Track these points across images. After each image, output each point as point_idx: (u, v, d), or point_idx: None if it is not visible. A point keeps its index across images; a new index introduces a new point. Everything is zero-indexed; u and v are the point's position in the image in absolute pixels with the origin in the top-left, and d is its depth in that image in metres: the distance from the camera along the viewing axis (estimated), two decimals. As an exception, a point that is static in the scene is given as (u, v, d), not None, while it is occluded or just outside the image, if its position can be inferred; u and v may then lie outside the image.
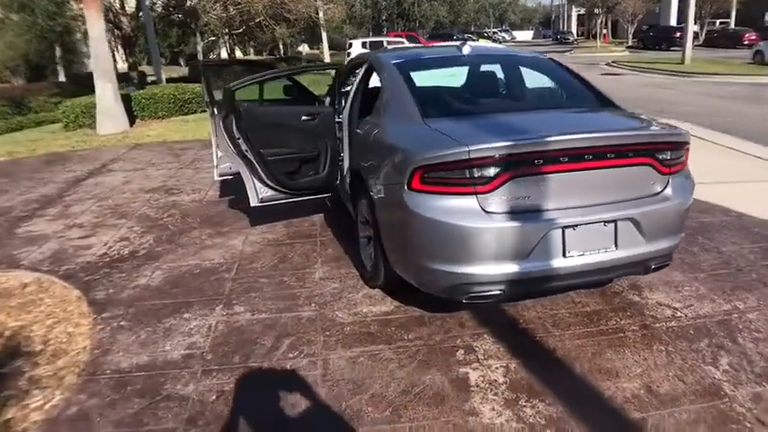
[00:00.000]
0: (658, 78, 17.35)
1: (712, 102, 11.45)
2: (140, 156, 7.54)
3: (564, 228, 2.45)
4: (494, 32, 54.95)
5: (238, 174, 4.91)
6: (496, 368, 2.52)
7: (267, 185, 4.02)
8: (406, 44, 19.62)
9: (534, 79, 3.49)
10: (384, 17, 40.64)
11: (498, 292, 2.53)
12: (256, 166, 3.90)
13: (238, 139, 3.81)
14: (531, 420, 2.19)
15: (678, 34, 29.74)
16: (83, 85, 14.54)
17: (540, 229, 2.42)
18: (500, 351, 2.65)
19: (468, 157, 2.37)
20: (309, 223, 4.56)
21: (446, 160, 2.40)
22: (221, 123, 3.84)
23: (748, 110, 10.18)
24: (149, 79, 17.11)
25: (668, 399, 2.29)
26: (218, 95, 4.33)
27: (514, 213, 2.43)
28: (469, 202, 2.43)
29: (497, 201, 2.42)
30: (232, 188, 5.43)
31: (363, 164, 3.12)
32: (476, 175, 2.40)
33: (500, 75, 3.60)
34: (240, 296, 3.31)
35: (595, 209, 2.51)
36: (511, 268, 2.45)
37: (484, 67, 3.62)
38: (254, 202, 4.02)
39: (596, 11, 38.53)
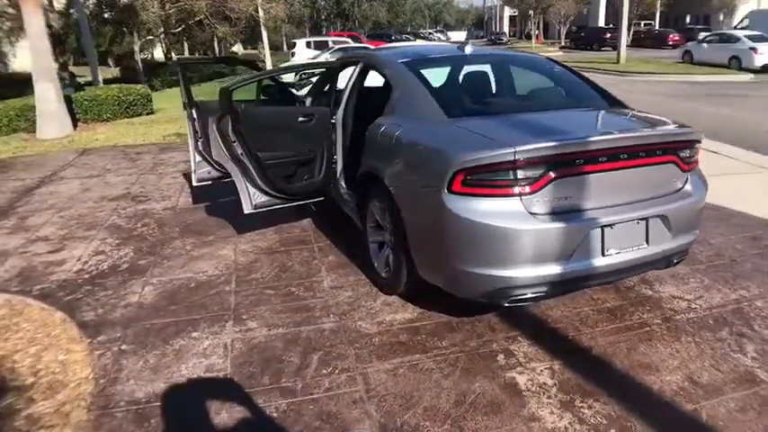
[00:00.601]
0: (599, 77, 18.08)
1: (657, 99, 12.11)
2: (93, 161, 6.98)
3: (603, 227, 2.45)
4: (429, 33, 55.83)
5: (218, 179, 4.69)
6: (541, 370, 2.49)
7: (262, 191, 3.81)
8: (351, 44, 19.49)
9: (540, 79, 3.50)
10: (323, 17, 40.24)
11: (541, 294, 2.50)
12: (251, 170, 3.68)
13: (234, 142, 3.57)
14: (592, 421, 2.17)
15: (608, 35, 31.48)
16: (4, 86, 13.41)
17: (582, 229, 2.41)
18: (539, 353, 2.62)
19: (513, 158, 2.32)
20: (300, 229, 4.37)
21: (492, 162, 2.33)
22: (214, 125, 3.59)
23: (698, 107, 10.82)
24: (81, 80, 16.00)
25: (711, 389, 2.34)
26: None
27: (557, 214, 2.41)
28: (513, 204, 2.38)
29: (541, 202, 2.39)
30: (206, 194, 5.15)
31: (381, 166, 3.00)
32: (519, 177, 2.35)
33: (507, 74, 3.59)
34: (249, 310, 3.10)
35: (630, 207, 2.54)
36: (554, 269, 2.42)
37: (490, 67, 3.58)
38: (247, 209, 3.79)
39: (530, 12, 39.99)
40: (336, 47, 17.76)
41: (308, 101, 4.74)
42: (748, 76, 16.65)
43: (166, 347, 2.76)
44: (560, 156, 2.36)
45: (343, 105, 3.84)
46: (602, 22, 41.86)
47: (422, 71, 3.16)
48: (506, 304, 2.55)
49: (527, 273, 2.41)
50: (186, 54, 33.93)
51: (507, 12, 65.97)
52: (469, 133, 2.56)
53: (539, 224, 2.36)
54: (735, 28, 25.24)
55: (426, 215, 2.59)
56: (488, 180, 2.37)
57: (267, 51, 20.15)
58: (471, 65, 3.56)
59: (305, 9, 33.17)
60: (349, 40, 20.90)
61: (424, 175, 2.58)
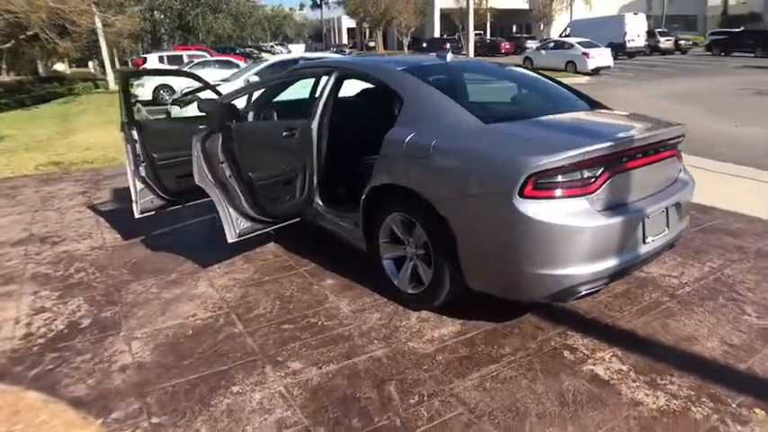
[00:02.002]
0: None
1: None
2: (-51, 203, 5.62)
3: (644, 218, 2.65)
4: (271, 46, 55.05)
5: (161, 208, 4.13)
6: (609, 358, 2.61)
7: (246, 216, 3.42)
8: (209, 57, 18.38)
9: (527, 84, 3.67)
10: (163, 30, 37.29)
11: (601, 287, 2.63)
12: (238, 193, 3.28)
13: (222, 162, 3.15)
14: (683, 394, 2.34)
15: (448, 45, 33.98)
16: None
17: (634, 221, 2.59)
18: (595, 343, 2.75)
19: (582, 159, 2.41)
20: (272, 254, 4.02)
21: (563, 164, 2.39)
22: (198, 145, 3.13)
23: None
24: None
25: (747, 348, 2.67)
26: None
27: (613, 210, 2.55)
28: (581, 204, 2.47)
29: (601, 200, 2.51)
30: (134, 228, 4.47)
31: (413, 178, 2.88)
32: (585, 176, 2.45)
33: (499, 83, 3.69)
34: (280, 351, 2.76)
35: (657, 197, 2.78)
36: (615, 261, 2.56)
37: (479, 76, 3.65)
38: (231, 238, 3.38)
39: (365, 24, 41.59)
40: (196, 60, 16.65)
41: (250, 115, 4.39)
42: (584, 78, 19.26)
43: (212, 410, 2.35)
44: (613, 155, 2.51)
45: (317, 118, 3.63)
46: (437, 33, 45.19)
47: (431, 79, 3.12)
48: (568, 301, 2.63)
49: (595, 268, 2.51)
50: (4, 76, 29.02)
51: (345, 24, 67.87)
52: (526, 138, 2.60)
53: (605, 220, 2.48)
54: (560, 36, 28.98)
55: (489, 223, 2.56)
56: (559, 182, 2.43)
57: (109, 68, 18.02)
58: (467, 73, 3.59)
59: (144, 23, 30.32)
60: (206, 54, 19.66)
61: (487, 182, 2.54)
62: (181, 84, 12.71)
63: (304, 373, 2.57)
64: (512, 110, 3.27)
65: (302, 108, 3.94)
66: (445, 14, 42.11)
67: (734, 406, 2.26)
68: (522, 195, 2.42)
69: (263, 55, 37.65)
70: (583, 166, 2.43)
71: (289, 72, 4.13)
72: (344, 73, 3.66)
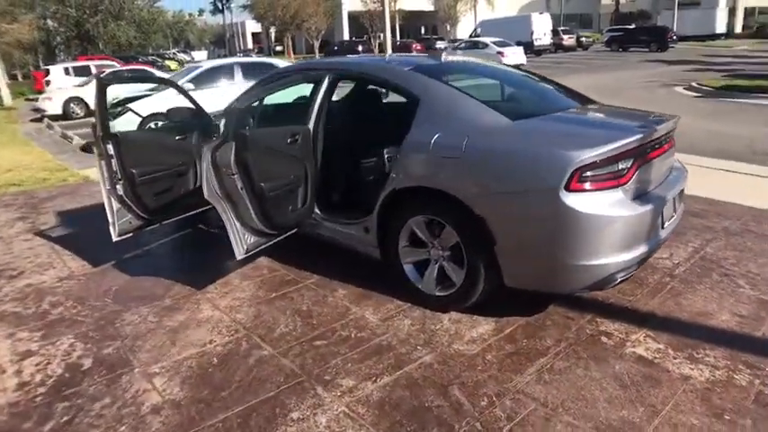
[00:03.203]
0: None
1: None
2: None
3: (664, 204, 2.83)
4: (174, 54, 52.48)
5: (140, 228, 3.82)
6: (645, 339, 2.76)
7: (253, 230, 3.23)
8: (119, 67, 17.13)
9: (523, 84, 3.78)
10: (59, 40, 34.09)
11: (631, 273, 2.76)
12: (248, 207, 3.08)
13: (234, 174, 2.93)
14: (721, 365, 2.52)
15: (360, 48, 34.24)
16: None
17: (658, 208, 2.75)
18: (626, 326, 2.88)
19: (619, 151, 2.52)
20: (267, 269, 3.82)
21: (605, 157, 2.49)
22: (209, 155, 2.89)
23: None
24: None
25: (755, 317, 2.93)
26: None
27: (642, 198, 2.70)
28: (618, 195, 2.58)
29: (633, 189, 2.65)
30: (102, 251, 4.09)
31: (443, 179, 2.85)
32: (620, 168, 2.57)
33: (492, 80, 3.75)
34: (324, 369, 2.63)
35: (668, 185, 2.98)
36: (644, 247, 2.71)
37: (474, 75, 3.70)
38: (240, 255, 3.17)
39: (273, 28, 40.87)
40: (109, 71, 15.43)
41: (222, 122, 4.16)
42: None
43: (278, 439, 2.19)
44: (640, 147, 2.65)
45: (312, 121, 3.51)
46: (346, 36, 45.36)
47: (444, 79, 3.12)
48: (605, 289, 2.74)
49: (630, 255, 2.64)
50: None
51: (250, 28, 66.22)
52: (564, 133, 2.68)
53: (640, 209, 2.62)
54: (471, 36, 30.13)
55: (533, 218, 2.60)
56: (599, 175, 2.52)
57: (2, 82, 16.20)
58: (467, 72, 3.62)
59: (37, 33, 27.44)
60: (115, 64, 18.25)
61: (530, 178, 2.57)
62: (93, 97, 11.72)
63: (361, 390, 2.46)
64: (526, 107, 3.35)
65: (295, 113, 3.79)
66: (354, 17, 42.40)
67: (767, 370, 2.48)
68: (567, 189, 2.49)
69: (167, 63, 35.71)
70: (619, 158, 2.55)
71: (278, 75, 3.95)
72: (343, 75, 3.56)
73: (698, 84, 14.01)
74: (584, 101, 3.59)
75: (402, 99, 4.28)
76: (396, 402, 2.37)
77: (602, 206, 2.52)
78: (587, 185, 2.51)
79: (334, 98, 3.81)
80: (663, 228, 2.88)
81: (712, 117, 9.65)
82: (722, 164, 6.32)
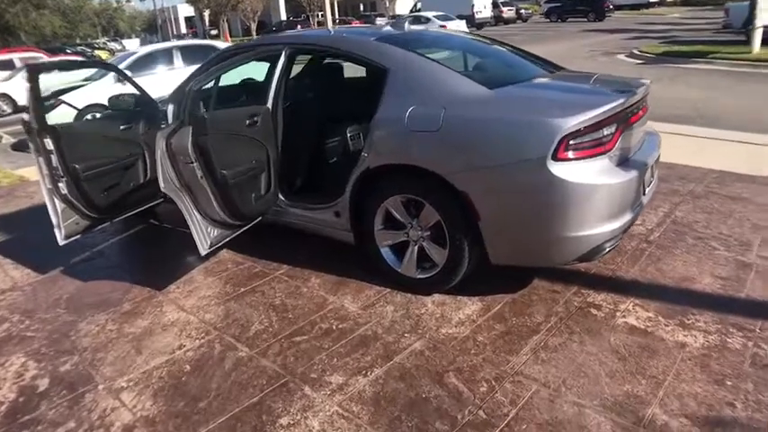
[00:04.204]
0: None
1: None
2: None
3: (646, 170, 2.77)
4: (104, 43, 49.49)
5: (88, 229, 3.48)
6: (633, 308, 2.72)
7: (216, 222, 2.97)
8: (45, 58, 15.85)
9: (487, 53, 3.63)
10: None
11: (618, 242, 2.70)
12: (210, 197, 2.82)
13: (192, 162, 2.66)
14: (713, 329, 2.50)
15: (299, 27, 33.34)
16: None
17: (641, 174, 2.68)
18: (612, 296, 2.84)
19: (605, 117, 2.42)
20: (231, 263, 3.57)
21: (592, 123, 2.39)
22: (163, 143, 2.59)
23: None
24: None
25: (735, 278, 2.95)
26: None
27: (626, 165, 2.63)
28: (605, 162, 2.50)
29: (615, 156, 2.56)
30: (47, 256, 3.72)
31: (422, 155, 2.68)
32: (605, 134, 2.47)
33: (462, 49, 3.58)
34: (309, 366, 2.45)
35: (646, 150, 2.92)
36: (630, 215, 2.65)
37: (438, 44, 3.51)
38: (204, 250, 2.92)
39: (206, 11, 39.17)
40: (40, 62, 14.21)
41: (170, 108, 3.83)
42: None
43: (268, 450, 2.00)
44: (622, 112, 2.56)
45: (271, 101, 3.26)
46: (283, 16, 44.04)
47: (413, 49, 2.93)
48: (595, 260, 2.68)
49: (618, 223, 2.57)
50: None
51: (183, 12, 63.27)
52: (548, 100, 2.54)
53: (626, 175, 2.54)
54: (412, 11, 29.82)
55: (520, 191, 2.48)
56: (586, 142, 2.42)
57: None
58: (435, 41, 3.43)
59: None
60: (41, 55, 16.86)
61: (516, 149, 2.43)
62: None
63: (352, 386, 2.30)
64: (502, 75, 3.20)
65: (252, 94, 3.52)
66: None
67: (758, 331, 2.48)
68: (555, 158, 2.37)
69: (97, 53, 33.55)
70: (604, 124, 2.45)
71: (231, 52, 3.64)
72: (301, 49, 3.32)
73: (639, 51, 14.40)
74: (554, 67, 3.49)
75: (365, 73, 4.08)
76: (391, 396, 2.22)
77: (590, 174, 2.42)
78: (575, 154, 2.40)
79: (293, 75, 3.56)
80: (644, 194, 2.84)
81: (657, 82, 9.83)
82: (674, 128, 6.45)
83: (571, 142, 2.39)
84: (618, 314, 2.68)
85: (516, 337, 2.54)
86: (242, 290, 3.22)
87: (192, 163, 2.68)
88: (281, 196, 3.43)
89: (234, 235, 3.20)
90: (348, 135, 3.77)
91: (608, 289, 2.92)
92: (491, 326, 2.65)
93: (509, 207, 2.55)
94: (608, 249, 2.64)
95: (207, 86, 3.22)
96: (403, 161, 2.77)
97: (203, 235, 2.93)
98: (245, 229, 3.29)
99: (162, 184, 2.72)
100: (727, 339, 2.43)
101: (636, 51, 14.44)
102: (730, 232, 3.50)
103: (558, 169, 2.37)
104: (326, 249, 3.49)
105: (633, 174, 2.60)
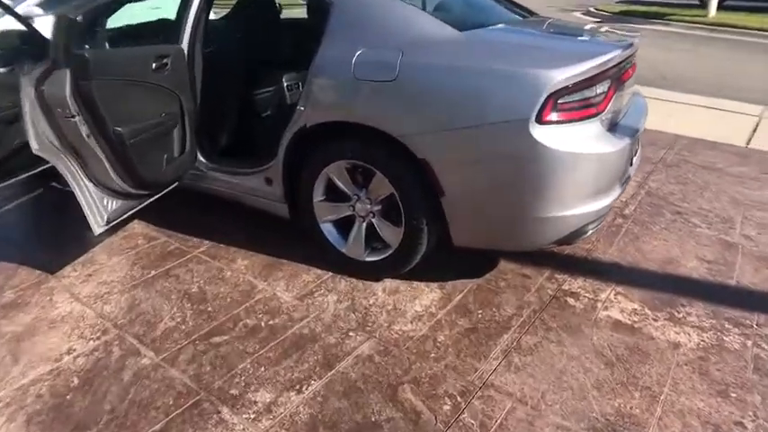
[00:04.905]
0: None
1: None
2: None
3: (636, 137, 2.35)
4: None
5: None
6: (615, 298, 2.35)
7: (115, 192, 2.36)
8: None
9: None
10: None
11: (602, 223, 2.30)
12: (102, 161, 2.19)
13: (74, 116, 2.01)
14: (707, 325, 2.17)
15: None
16: None
17: (632, 143, 2.26)
18: (590, 282, 2.46)
19: (599, 70, 1.95)
20: (142, 237, 2.95)
21: (586, 76, 1.91)
22: (32, 90, 1.93)
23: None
24: None
25: (722, 262, 2.63)
26: None
27: (617, 131, 2.18)
28: (596, 126, 2.04)
29: (607, 120, 2.12)
30: None
31: (374, 111, 2.14)
32: (598, 93, 2.01)
33: None
34: (230, 380, 1.94)
35: (635, 114, 2.50)
36: (618, 190, 2.24)
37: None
38: (99, 228, 2.32)
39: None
40: None
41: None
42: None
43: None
44: (616, 66, 2.09)
45: (186, 40, 2.62)
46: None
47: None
48: (573, 243, 2.27)
49: (607, 200, 2.15)
50: None
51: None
52: (533, 47, 2.04)
53: (619, 143, 2.10)
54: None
55: (492, 161, 2.00)
56: (576, 101, 1.95)
57: None
58: None
59: None
60: None
61: (491, 107, 1.93)
62: None
63: (282, 406, 1.82)
64: (471, 16, 2.66)
65: (161, 31, 2.84)
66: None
67: (755, 327, 2.16)
68: (539, 121, 1.90)
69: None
70: (597, 80, 1.98)
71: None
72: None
73: (595, 9, 14.07)
74: (531, 14, 2.98)
75: (305, 11, 3.45)
76: (332, 420, 1.76)
77: (579, 141, 1.97)
78: (561, 115, 1.93)
79: (216, 16, 2.90)
80: (631, 165, 2.43)
81: (616, 43, 9.60)
82: (641, 90, 6.15)
83: (559, 101, 1.91)
84: (599, 305, 2.30)
85: (484, 336, 2.12)
86: (152, 273, 2.63)
87: (74, 117, 2.03)
88: (200, 157, 2.83)
89: (139, 207, 2.60)
90: (285, 85, 3.16)
91: (585, 273, 2.54)
92: (453, 321, 2.22)
93: (479, 181, 2.06)
94: (590, 232, 2.22)
95: (99, 14, 2.53)
96: (348, 118, 2.22)
97: (97, 209, 2.31)
98: (154, 198, 2.69)
99: (34, 145, 2.07)
100: (724, 338, 2.10)
101: (592, 9, 14.10)
102: (709, 207, 3.19)
103: (541, 134, 1.90)
104: (258, 223, 2.94)
105: (625, 141, 2.16)
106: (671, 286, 2.43)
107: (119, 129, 2.19)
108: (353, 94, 2.19)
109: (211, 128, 2.94)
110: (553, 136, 1.91)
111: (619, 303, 2.31)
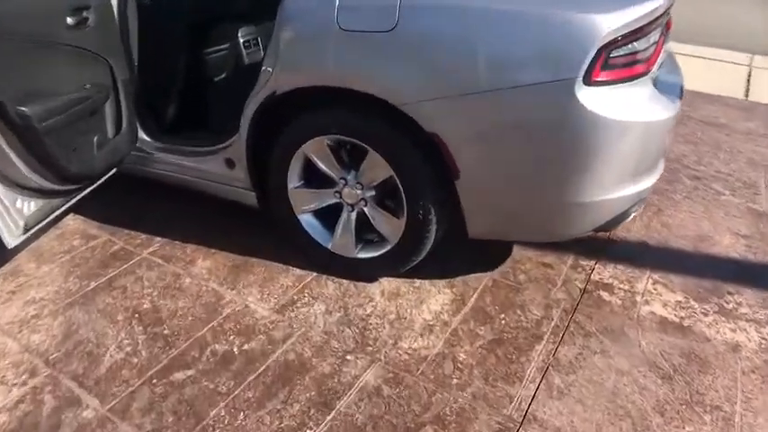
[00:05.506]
0: None
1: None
2: None
3: (681, 99, 1.95)
4: None
5: None
6: (654, 288, 2.01)
7: (32, 191, 1.81)
8: None
9: None
10: None
11: (644, 202, 1.93)
12: (7, 153, 1.64)
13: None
14: (762, 317, 1.88)
15: None
16: None
17: (680, 104, 1.86)
18: (621, 270, 2.12)
19: (654, 17, 1.52)
20: (80, 236, 2.40)
21: (642, 24, 1.48)
22: None
23: None
24: None
25: (756, 235, 2.34)
26: None
27: (666, 92, 1.77)
28: (647, 87, 1.63)
29: (654, 79, 1.70)
30: None
31: (362, 74, 1.66)
32: (651, 43, 1.58)
33: None
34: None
35: (674, 72, 2.08)
36: (663, 163, 1.86)
37: None
38: (14, 239, 1.79)
39: None
40: None
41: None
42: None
43: None
44: (664, 15, 1.66)
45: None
46: None
47: None
48: (608, 231, 1.90)
49: (654, 177, 1.78)
50: None
51: None
52: None
53: (673, 107, 1.71)
54: None
55: (524, 135, 1.56)
56: (625, 55, 1.51)
57: None
58: None
59: None
60: None
61: (523, 65, 1.48)
62: None
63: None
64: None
65: None
66: None
67: (821, 316, 1.87)
68: (588, 82, 1.46)
69: None
70: (649, 29, 1.55)
71: None
72: None
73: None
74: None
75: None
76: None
77: (633, 107, 1.56)
78: (611, 74, 1.50)
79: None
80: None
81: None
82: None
83: (612, 54, 1.48)
84: (638, 299, 1.96)
85: (513, 350, 1.74)
86: (92, 285, 2.12)
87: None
88: (144, 136, 2.28)
89: (67, 205, 2.05)
90: (241, 40, 2.60)
91: (613, 258, 2.18)
92: (473, 331, 1.83)
93: (504, 158, 1.63)
94: (633, 215, 1.85)
95: None
96: (330, 82, 1.72)
97: (8, 214, 1.77)
98: (86, 192, 2.15)
99: None
100: (790, 334, 1.80)
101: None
102: (728, 170, 2.89)
103: (589, 98, 1.47)
104: (219, 211, 2.45)
105: (678, 104, 1.77)
106: (711, 269, 2.11)
107: (23, 109, 1.62)
108: (338, 50, 1.68)
109: (154, 99, 2.38)
110: (603, 101, 1.49)
111: (660, 295, 1.97)
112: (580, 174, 1.58)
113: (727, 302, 1.94)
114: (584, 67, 1.44)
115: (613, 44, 1.45)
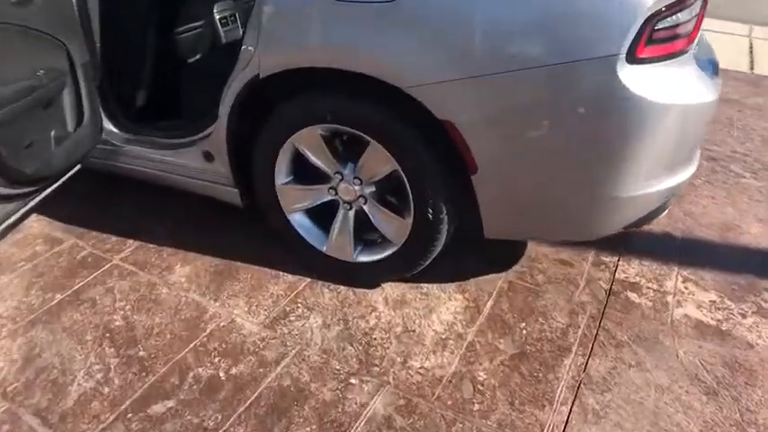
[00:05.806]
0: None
1: None
2: None
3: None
4: None
5: None
6: (685, 287, 1.83)
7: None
8: None
9: None
10: None
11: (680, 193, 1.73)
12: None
13: None
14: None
15: None
16: None
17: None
18: (647, 267, 1.93)
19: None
20: (42, 240, 2.12)
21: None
22: None
23: None
24: None
25: (783, 222, 2.17)
26: None
27: (705, 68, 1.56)
28: (690, 64, 1.42)
29: (697, 55, 1.49)
30: None
31: (362, 53, 1.42)
32: (692, 16, 1.35)
33: None
34: None
35: (707, 48, 1.87)
36: (699, 150, 1.66)
37: None
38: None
39: None
40: None
41: None
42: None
43: None
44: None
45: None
46: None
47: None
48: (640, 227, 1.70)
49: (693, 166, 1.58)
50: None
51: None
52: None
53: (716, 88, 1.50)
54: None
55: (553, 124, 1.34)
56: (668, 29, 1.29)
57: None
58: None
59: None
60: None
61: (556, 42, 1.24)
62: None
63: None
64: None
65: None
66: None
67: None
68: (632, 59, 1.24)
69: None
70: (689, 2, 1.33)
71: None
72: None
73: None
74: None
75: None
76: None
77: (680, 88, 1.34)
78: (655, 50, 1.28)
79: None
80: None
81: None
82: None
83: (658, 27, 1.26)
84: (669, 300, 1.77)
85: (538, 366, 1.55)
86: (57, 298, 1.86)
87: None
88: (110, 127, 2.01)
89: (25, 209, 1.78)
90: (217, 17, 2.32)
91: (636, 253, 1.99)
92: (491, 344, 1.62)
93: (530, 149, 1.40)
94: (668, 209, 1.66)
95: None
96: (323, 62, 1.47)
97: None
98: (47, 193, 1.88)
99: None
100: (839, 337, 1.64)
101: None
102: (744, 150, 2.71)
103: (632, 78, 1.25)
104: (197, 209, 2.20)
105: (719, 84, 1.57)
106: (742, 263, 1.94)
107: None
108: (332, 24, 1.43)
109: (121, 85, 2.10)
110: (648, 80, 1.27)
111: (692, 295, 1.79)
112: (618, 165, 1.36)
113: (765, 301, 1.77)
114: (628, 42, 1.21)
115: (658, 15, 1.23)
